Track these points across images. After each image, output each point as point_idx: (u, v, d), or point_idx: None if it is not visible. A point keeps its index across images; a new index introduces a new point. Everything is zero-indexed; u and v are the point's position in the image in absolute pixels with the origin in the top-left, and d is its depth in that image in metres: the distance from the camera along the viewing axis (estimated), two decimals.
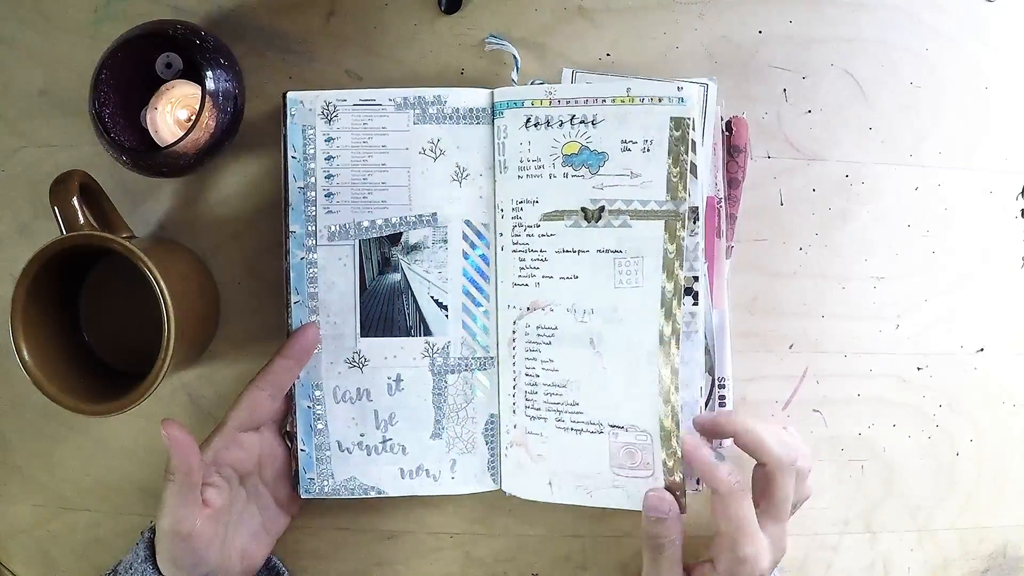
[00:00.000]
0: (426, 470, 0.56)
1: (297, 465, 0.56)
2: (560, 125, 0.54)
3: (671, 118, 0.53)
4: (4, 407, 0.60)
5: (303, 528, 0.59)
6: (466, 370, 0.56)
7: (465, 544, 0.60)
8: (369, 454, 0.56)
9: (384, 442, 0.56)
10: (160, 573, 0.50)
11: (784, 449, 0.51)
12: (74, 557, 0.61)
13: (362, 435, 0.56)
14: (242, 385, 0.54)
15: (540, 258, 0.55)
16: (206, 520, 0.50)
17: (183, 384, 0.59)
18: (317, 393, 0.56)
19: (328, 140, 0.55)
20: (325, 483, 0.56)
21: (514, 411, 0.56)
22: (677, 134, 0.53)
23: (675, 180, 0.53)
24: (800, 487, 0.53)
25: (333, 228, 0.55)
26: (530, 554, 0.60)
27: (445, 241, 0.56)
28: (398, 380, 0.56)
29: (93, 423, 0.60)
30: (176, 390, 0.59)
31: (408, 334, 0.56)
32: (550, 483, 0.55)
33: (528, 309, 0.55)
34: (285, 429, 0.56)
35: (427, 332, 0.56)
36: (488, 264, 0.57)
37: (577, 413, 0.54)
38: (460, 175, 0.56)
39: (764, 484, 0.52)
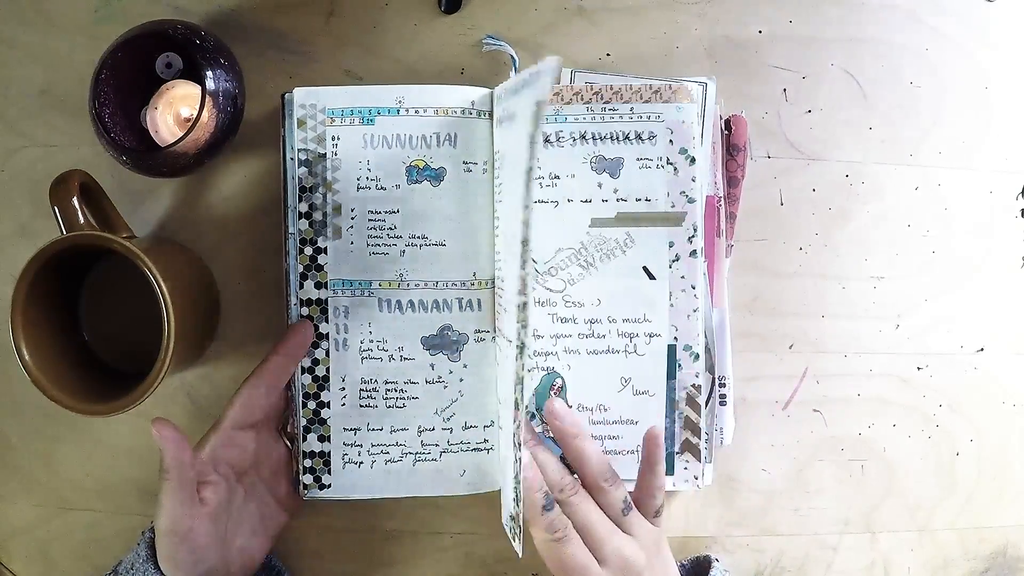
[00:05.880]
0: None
1: (297, 467, 0.56)
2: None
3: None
4: (4, 407, 0.60)
5: (303, 528, 0.59)
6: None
7: (465, 544, 0.60)
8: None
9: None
10: (161, 573, 0.50)
11: (601, 467, 0.50)
12: (74, 557, 0.61)
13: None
14: None
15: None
16: (204, 518, 0.50)
17: (183, 384, 0.59)
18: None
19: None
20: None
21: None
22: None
23: None
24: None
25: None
26: (530, 554, 0.60)
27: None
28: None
29: (93, 423, 0.60)
30: (176, 390, 0.59)
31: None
32: None
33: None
34: (285, 429, 0.56)
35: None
36: None
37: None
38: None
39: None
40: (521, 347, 0.43)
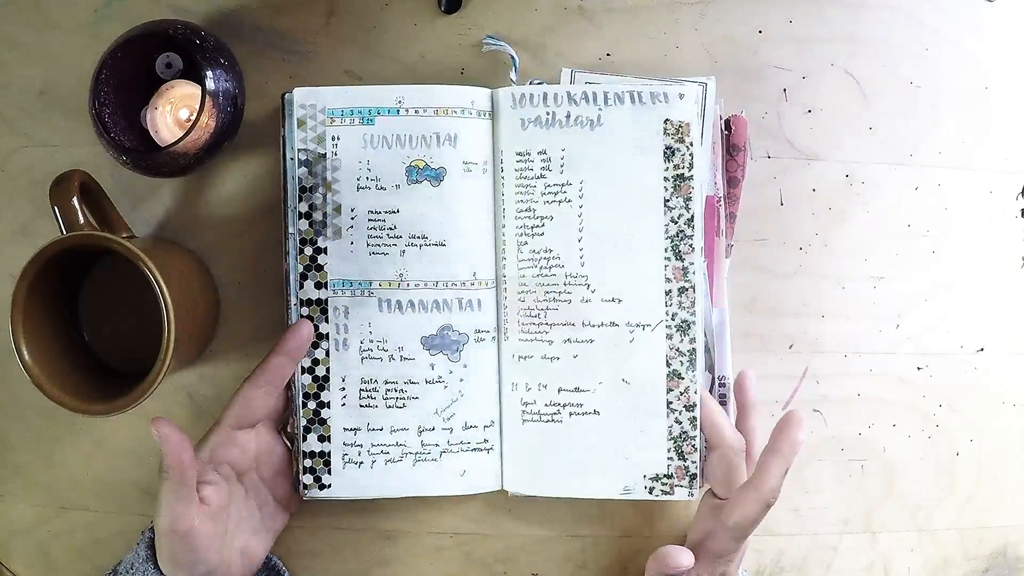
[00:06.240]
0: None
1: (297, 467, 0.56)
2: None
3: None
4: (4, 407, 0.60)
5: (303, 528, 0.59)
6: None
7: (465, 544, 0.60)
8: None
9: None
10: (161, 573, 0.50)
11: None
12: (74, 557, 0.61)
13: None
14: None
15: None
16: (204, 519, 0.50)
17: (183, 384, 0.59)
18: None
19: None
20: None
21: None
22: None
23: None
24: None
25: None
26: (530, 554, 0.60)
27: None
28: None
29: (93, 423, 0.60)
30: (176, 390, 0.59)
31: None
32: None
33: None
34: (285, 429, 0.56)
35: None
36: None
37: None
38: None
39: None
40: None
